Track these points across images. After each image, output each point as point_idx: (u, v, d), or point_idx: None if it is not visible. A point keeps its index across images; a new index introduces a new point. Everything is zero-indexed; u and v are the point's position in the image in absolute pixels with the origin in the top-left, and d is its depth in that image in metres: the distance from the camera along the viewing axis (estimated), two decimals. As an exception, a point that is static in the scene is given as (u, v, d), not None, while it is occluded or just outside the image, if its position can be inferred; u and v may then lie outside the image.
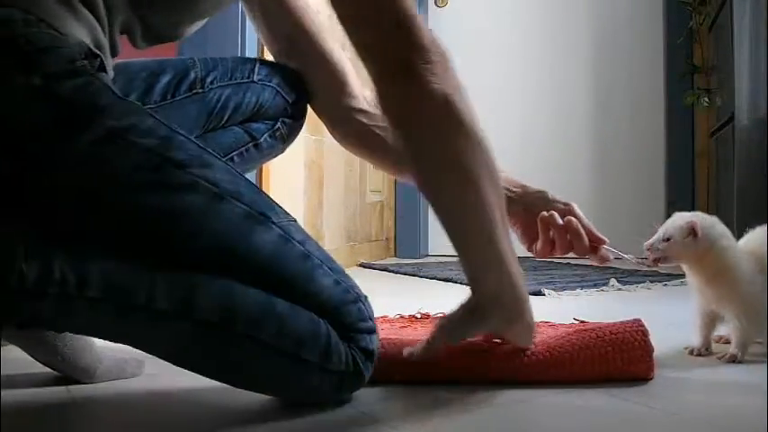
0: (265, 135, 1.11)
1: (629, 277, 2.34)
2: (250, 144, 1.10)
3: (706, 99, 2.97)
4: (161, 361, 1.07)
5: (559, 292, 2.01)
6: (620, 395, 0.90)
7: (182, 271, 0.76)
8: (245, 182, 0.83)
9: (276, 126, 1.11)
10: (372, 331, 0.83)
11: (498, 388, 0.97)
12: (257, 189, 0.86)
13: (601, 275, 2.42)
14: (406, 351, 0.89)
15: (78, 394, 0.93)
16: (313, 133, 2.51)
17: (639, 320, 1.00)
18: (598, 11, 3.41)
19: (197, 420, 0.84)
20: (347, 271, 0.87)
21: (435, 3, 3.55)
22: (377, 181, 3.30)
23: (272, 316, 0.77)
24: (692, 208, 3.16)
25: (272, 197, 0.86)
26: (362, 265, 2.91)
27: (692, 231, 1.08)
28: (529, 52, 3.48)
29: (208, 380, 0.81)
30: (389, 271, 2.73)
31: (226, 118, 1.05)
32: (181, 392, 0.94)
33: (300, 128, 1.16)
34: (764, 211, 2.07)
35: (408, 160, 0.84)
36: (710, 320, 1.13)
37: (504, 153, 3.91)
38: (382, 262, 3.13)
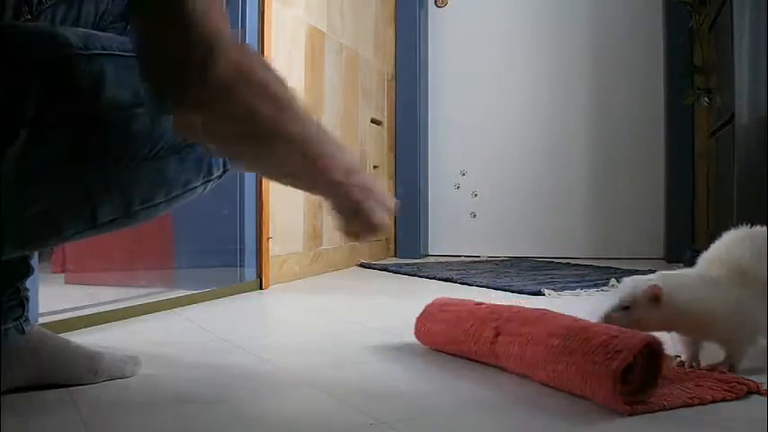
0: None
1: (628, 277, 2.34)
2: None
3: (706, 99, 2.96)
4: (158, 361, 1.08)
5: (559, 292, 2.01)
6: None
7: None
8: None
9: None
10: None
11: (500, 388, 0.97)
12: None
13: (601, 275, 2.42)
14: None
15: (78, 395, 0.93)
16: (313, 133, 2.50)
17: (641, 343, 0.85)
18: (598, 11, 3.41)
19: (195, 421, 0.84)
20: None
21: (435, 3, 3.55)
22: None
23: (162, 185, 0.84)
24: (692, 208, 3.17)
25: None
26: (362, 265, 2.91)
27: (654, 297, 0.97)
28: (529, 52, 3.48)
29: (205, 380, 0.80)
30: (389, 271, 2.72)
31: None
32: (179, 393, 0.94)
33: None
34: (764, 211, 2.06)
35: None
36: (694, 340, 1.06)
37: (504, 152, 3.90)
38: (382, 262, 3.13)
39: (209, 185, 0.91)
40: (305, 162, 0.80)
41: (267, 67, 0.73)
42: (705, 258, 1.09)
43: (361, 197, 0.86)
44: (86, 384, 0.97)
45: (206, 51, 0.65)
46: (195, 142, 0.74)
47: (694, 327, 1.01)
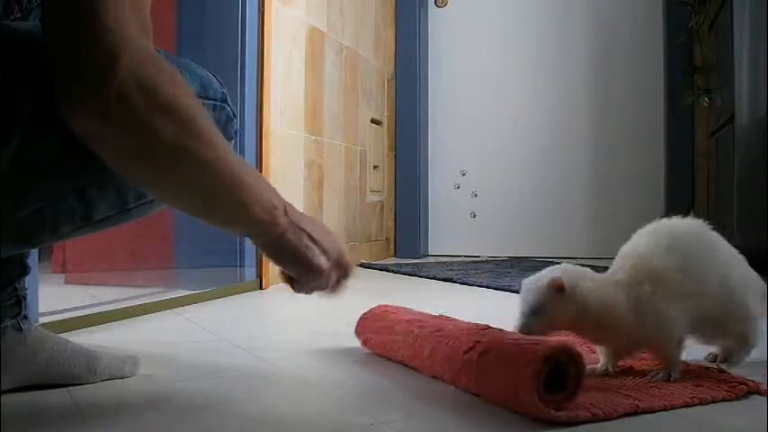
0: None
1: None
2: None
3: (706, 99, 2.96)
4: (158, 361, 1.08)
5: (559, 293, 2.00)
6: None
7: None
8: None
9: None
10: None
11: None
12: None
13: (601, 275, 2.42)
14: None
15: (78, 395, 0.93)
16: (313, 133, 2.51)
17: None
18: (598, 11, 3.41)
19: (194, 420, 0.84)
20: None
21: (435, 3, 3.55)
22: (377, 181, 3.30)
23: None
24: (692, 208, 3.17)
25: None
26: (362, 265, 2.91)
27: (558, 288, 0.92)
28: (529, 52, 3.48)
29: (204, 380, 0.80)
30: (389, 271, 2.72)
31: None
32: (178, 393, 0.94)
33: None
34: (764, 211, 2.06)
35: None
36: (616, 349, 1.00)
37: (504, 152, 3.89)
38: (382, 262, 3.13)
39: None
40: (217, 193, 0.74)
41: (181, 88, 0.70)
42: (618, 255, 1.03)
43: (291, 237, 0.80)
44: (86, 384, 0.97)
45: (108, 59, 0.64)
46: (96, 152, 0.68)
47: (597, 324, 0.94)
